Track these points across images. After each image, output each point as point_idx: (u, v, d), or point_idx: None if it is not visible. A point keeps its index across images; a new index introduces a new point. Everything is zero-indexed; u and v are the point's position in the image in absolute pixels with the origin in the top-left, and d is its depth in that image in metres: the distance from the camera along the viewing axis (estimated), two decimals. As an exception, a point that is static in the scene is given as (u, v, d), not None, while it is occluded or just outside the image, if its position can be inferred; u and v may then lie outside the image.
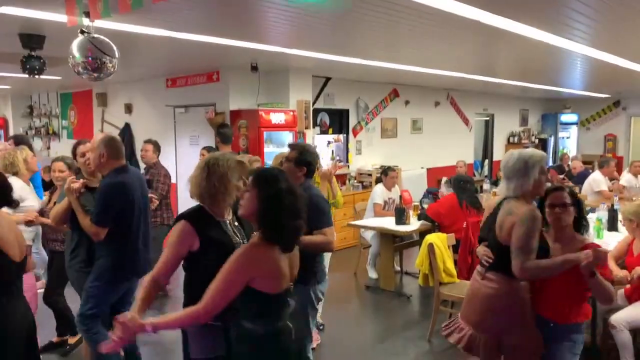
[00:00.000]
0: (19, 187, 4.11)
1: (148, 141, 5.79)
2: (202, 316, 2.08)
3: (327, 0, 3.59)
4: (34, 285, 3.51)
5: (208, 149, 6.10)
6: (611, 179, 7.67)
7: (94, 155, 3.35)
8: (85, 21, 3.43)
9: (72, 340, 4.37)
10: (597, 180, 7.30)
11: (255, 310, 2.14)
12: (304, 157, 3.27)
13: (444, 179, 6.28)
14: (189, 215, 2.43)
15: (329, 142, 8.70)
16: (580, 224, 2.82)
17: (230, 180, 2.43)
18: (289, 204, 2.11)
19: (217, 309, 2.07)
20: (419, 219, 5.96)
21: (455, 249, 5.07)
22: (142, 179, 3.68)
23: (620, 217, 5.37)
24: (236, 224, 2.57)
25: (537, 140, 13.70)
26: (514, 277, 2.68)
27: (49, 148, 10.98)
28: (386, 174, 6.56)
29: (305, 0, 3.60)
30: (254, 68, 6.67)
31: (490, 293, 2.78)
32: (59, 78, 7.97)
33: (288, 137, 7.16)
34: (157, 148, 5.75)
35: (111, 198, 3.29)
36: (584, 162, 9.76)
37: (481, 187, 9.15)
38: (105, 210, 3.26)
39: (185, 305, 2.44)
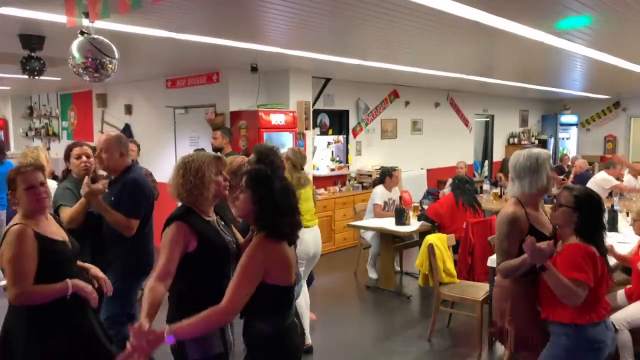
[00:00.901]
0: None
1: (132, 142, 5.60)
2: (230, 313, 2.06)
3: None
4: None
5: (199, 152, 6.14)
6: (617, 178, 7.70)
7: (110, 155, 3.41)
8: (85, 22, 3.43)
9: None
10: (606, 179, 7.38)
11: (271, 306, 2.16)
12: (261, 160, 3.51)
13: (449, 180, 6.29)
14: (179, 216, 2.35)
15: (328, 143, 8.72)
16: (583, 229, 2.63)
17: (205, 173, 2.39)
18: (282, 202, 2.15)
19: (242, 304, 2.05)
20: (419, 219, 5.97)
21: (455, 249, 5.08)
22: None
23: (621, 217, 5.42)
24: (222, 223, 2.55)
25: (537, 141, 13.70)
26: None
27: (48, 149, 10.97)
28: (390, 175, 6.56)
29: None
30: (254, 69, 6.67)
31: (500, 289, 2.94)
32: (59, 79, 7.97)
33: (288, 138, 7.17)
34: (139, 149, 5.77)
35: (140, 191, 3.40)
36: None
37: (481, 187, 9.17)
38: (138, 204, 3.35)
39: (170, 317, 2.31)
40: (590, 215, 2.65)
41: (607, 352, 2.66)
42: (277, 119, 6.96)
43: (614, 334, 2.77)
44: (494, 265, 4.09)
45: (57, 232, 2.61)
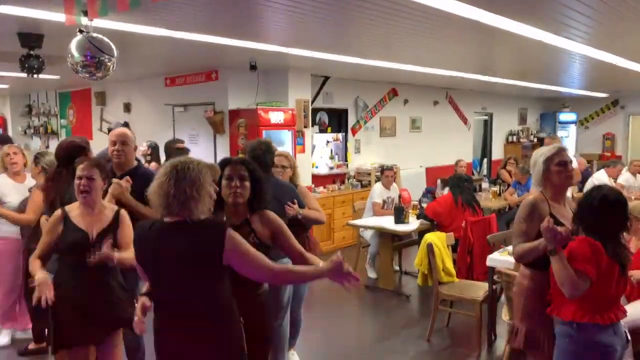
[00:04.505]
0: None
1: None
2: None
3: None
4: None
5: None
6: (615, 179, 7.70)
7: (130, 148, 3.41)
8: (84, 20, 3.43)
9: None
10: (600, 180, 7.37)
11: None
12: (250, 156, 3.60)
13: (439, 180, 6.30)
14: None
15: (327, 141, 8.70)
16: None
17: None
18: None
19: None
20: (418, 218, 5.96)
21: (454, 248, 5.07)
22: None
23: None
24: None
25: (535, 140, 13.71)
26: (533, 269, 2.85)
27: (47, 147, 10.95)
28: (382, 172, 6.59)
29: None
30: (253, 67, 6.66)
31: (517, 287, 2.98)
32: (58, 77, 7.95)
33: (287, 136, 7.16)
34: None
35: None
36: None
37: (480, 186, 9.16)
38: None
39: None
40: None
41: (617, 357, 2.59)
42: (276, 117, 6.95)
43: (624, 342, 2.64)
44: (494, 264, 4.12)
45: (85, 222, 2.79)
